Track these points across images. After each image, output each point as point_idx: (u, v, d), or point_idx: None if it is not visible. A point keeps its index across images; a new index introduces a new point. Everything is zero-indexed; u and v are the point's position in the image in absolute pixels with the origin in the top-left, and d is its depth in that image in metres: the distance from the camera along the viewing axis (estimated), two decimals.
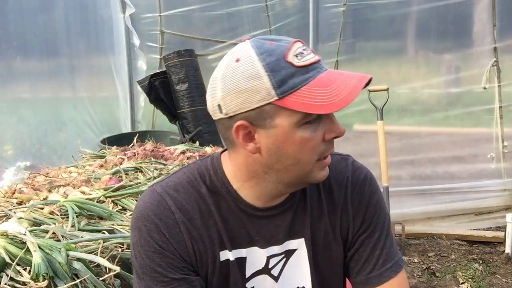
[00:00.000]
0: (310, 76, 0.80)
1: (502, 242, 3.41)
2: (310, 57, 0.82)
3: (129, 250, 1.41)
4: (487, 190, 3.63)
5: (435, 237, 3.53)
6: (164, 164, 2.42)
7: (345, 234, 0.99)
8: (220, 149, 1.03)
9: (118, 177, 2.11)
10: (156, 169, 2.29)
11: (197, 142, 3.17)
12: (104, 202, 1.81)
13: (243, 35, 3.62)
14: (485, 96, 3.69)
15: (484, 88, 3.58)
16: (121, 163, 2.38)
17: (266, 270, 0.96)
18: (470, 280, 3.03)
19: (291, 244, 0.96)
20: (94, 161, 2.59)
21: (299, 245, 0.96)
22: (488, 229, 3.62)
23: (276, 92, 0.79)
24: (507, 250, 3.34)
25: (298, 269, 0.97)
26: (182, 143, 3.19)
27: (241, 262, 0.94)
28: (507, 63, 3.52)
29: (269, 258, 0.96)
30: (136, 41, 3.75)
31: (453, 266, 3.19)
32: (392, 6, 3.73)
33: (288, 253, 0.97)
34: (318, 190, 0.98)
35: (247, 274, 0.96)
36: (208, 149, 2.80)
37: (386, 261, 0.97)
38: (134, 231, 0.91)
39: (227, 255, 0.93)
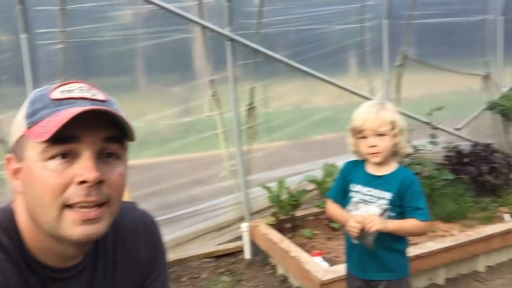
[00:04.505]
0: (60, 108, 0.76)
1: (242, 250, 3.82)
2: (74, 94, 0.79)
3: None
4: (224, 206, 4.00)
5: (185, 260, 3.68)
6: None
7: (140, 280, 1.00)
8: None
9: None
10: None
11: None
12: None
13: None
14: (211, 122, 4.09)
15: (208, 116, 3.96)
16: None
17: None
18: None
19: None
20: None
21: None
22: (230, 241, 3.99)
23: (27, 123, 0.78)
24: (247, 256, 3.76)
25: None
26: None
27: None
28: (223, 93, 3.98)
29: None
30: None
31: (205, 284, 3.38)
32: (118, 42, 3.77)
33: None
34: (114, 242, 0.94)
35: None
36: None
37: None
38: None
39: None
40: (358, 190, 1.99)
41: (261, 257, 3.73)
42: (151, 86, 4.19)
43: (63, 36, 3.38)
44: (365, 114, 1.91)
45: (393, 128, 1.91)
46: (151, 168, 4.01)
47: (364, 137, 1.93)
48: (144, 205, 1.11)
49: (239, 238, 3.92)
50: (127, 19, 3.92)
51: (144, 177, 3.90)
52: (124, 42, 3.80)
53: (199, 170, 4.17)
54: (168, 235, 3.57)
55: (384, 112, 1.92)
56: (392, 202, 1.92)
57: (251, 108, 4.12)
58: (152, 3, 3.52)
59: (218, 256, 3.80)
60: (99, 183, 0.76)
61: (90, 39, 3.63)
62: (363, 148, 1.95)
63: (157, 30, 3.81)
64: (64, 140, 0.74)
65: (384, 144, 1.91)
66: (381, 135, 1.90)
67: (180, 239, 3.77)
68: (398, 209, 1.93)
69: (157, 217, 1.10)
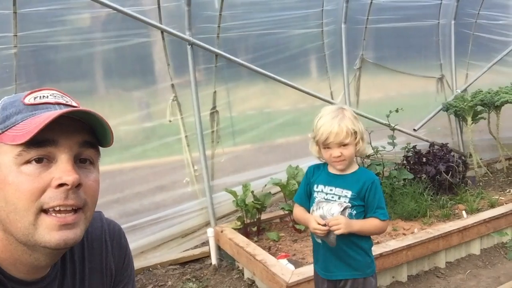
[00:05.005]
0: (35, 113, 0.76)
1: (208, 256, 3.79)
2: (49, 100, 0.79)
3: None
4: (189, 212, 3.95)
5: (150, 269, 3.61)
6: None
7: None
8: None
9: None
10: None
11: None
12: None
13: None
14: (173, 127, 4.04)
15: (170, 121, 3.91)
16: None
17: None
18: None
19: None
20: None
21: None
22: (196, 247, 3.95)
23: None
24: (213, 261, 3.73)
25: None
26: None
27: None
28: (185, 98, 3.94)
29: None
30: None
31: None
32: (75, 47, 3.66)
33: None
34: (82, 252, 0.93)
35: None
36: None
37: None
38: None
39: None
40: (320, 190, 2.03)
41: (227, 262, 3.71)
42: (111, 91, 4.07)
43: (16, 40, 3.25)
44: (328, 128, 1.94)
45: (356, 137, 1.97)
46: (113, 175, 3.90)
47: (328, 147, 1.98)
48: (106, 213, 1.08)
49: (205, 243, 3.88)
50: (84, 23, 3.81)
51: (105, 184, 3.79)
52: (81, 46, 3.69)
53: (162, 176, 4.10)
54: (132, 243, 3.43)
55: (345, 122, 1.95)
56: (352, 200, 1.97)
57: (213, 112, 4.10)
58: (110, 6, 3.44)
59: (184, 263, 3.75)
60: (77, 186, 0.76)
61: (45, 43, 3.50)
62: (328, 156, 1.99)
63: (116, 34, 3.72)
64: (42, 144, 0.74)
65: (348, 152, 1.97)
66: (345, 145, 1.95)
67: (144, 246, 3.69)
68: (359, 208, 1.98)
69: (121, 225, 1.08)
